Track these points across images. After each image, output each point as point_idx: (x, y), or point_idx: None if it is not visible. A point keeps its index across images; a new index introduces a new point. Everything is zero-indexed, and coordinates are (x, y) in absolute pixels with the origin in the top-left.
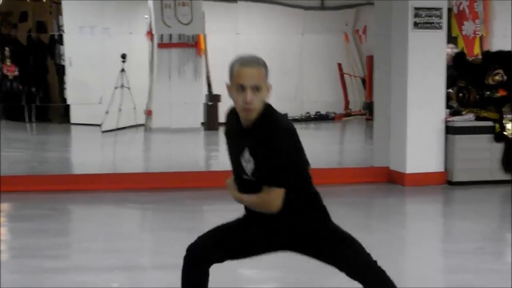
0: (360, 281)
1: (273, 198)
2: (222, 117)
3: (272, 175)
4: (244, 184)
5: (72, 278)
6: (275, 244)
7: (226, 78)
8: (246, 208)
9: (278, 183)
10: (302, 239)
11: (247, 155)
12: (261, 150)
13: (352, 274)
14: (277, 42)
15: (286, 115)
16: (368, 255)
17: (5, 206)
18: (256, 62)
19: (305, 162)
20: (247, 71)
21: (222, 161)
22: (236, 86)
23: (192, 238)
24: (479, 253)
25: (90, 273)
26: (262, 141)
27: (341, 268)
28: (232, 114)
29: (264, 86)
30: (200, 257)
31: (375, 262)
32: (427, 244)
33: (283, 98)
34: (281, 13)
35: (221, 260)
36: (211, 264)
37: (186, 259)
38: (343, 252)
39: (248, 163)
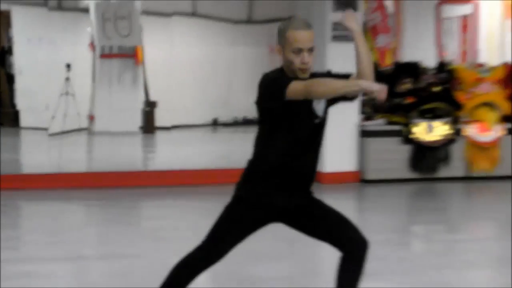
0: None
1: None
2: (158, 121)
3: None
4: (312, 133)
5: (22, 268)
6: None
7: (164, 85)
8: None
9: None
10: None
11: None
12: None
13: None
14: (209, 53)
15: None
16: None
17: None
18: (307, 25)
19: None
20: (303, 35)
21: (158, 161)
22: (294, 49)
23: (130, 231)
24: (386, 244)
25: (38, 263)
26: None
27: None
28: (280, 72)
29: (314, 46)
30: (201, 269)
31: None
32: None
33: (215, 104)
34: (212, 27)
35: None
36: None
37: (184, 268)
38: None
39: (318, 105)
